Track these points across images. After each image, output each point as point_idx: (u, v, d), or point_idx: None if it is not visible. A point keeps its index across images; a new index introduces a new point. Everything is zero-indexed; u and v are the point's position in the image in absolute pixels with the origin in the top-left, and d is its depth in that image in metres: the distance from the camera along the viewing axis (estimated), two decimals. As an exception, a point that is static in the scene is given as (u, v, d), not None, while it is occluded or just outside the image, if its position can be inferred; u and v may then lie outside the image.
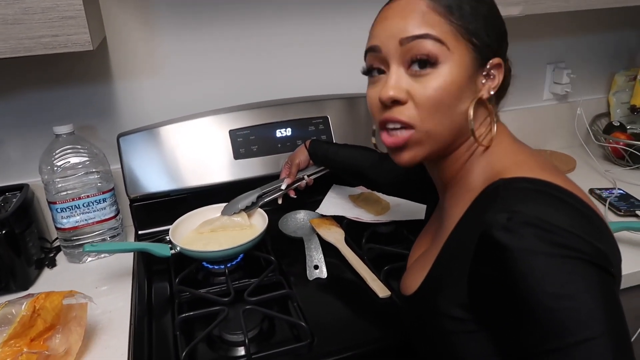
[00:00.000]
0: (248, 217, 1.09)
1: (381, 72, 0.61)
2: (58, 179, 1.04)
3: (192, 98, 1.24)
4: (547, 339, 0.46)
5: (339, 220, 1.15)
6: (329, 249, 1.06)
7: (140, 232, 1.19)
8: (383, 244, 1.05)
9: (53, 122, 1.08)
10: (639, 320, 0.95)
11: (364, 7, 1.27)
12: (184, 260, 1.02)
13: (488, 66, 0.59)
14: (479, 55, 0.58)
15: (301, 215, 1.22)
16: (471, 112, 0.59)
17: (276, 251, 1.07)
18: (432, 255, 0.64)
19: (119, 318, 0.91)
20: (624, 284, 0.62)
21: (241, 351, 0.81)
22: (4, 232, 0.96)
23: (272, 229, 1.10)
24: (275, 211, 1.15)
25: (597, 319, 0.46)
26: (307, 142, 1.13)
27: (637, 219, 1.14)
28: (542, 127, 1.56)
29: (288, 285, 0.95)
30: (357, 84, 1.34)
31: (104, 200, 1.09)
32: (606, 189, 1.27)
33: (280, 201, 1.12)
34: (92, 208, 1.08)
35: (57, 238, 1.13)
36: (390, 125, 0.60)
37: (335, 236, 1.08)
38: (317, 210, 1.18)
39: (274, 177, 1.15)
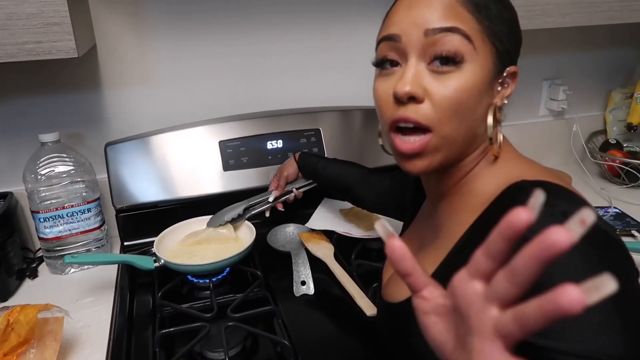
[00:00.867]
0: (234, 230, 1.07)
1: (394, 64, 0.57)
2: (42, 188, 1.02)
3: (182, 108, 1.23)
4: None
5: (329, 235, 1.13)
6: (317, 264, 1.04)
7: (126, 243, 1.17)
8: (373, 260, 1.03)
9: (39, 129, 1.06)
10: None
11: (359, 17, 1.26)
12: (169, 273, 0.99)
13: (505, 74, 0.57)
14: (499, 60, 0.56)
15: (291, 229, 1.20)
16: (490, 118, 0.56)
17: (263, 265, 1.05)
18: (431, 262, 0.61)
19: (99, 332, 0.88)
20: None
21: (222, 369, 0.78)
22: (-17, 241, 0.94)
23: (260, 243, 1.08)
24: (264, 224, 1.13)
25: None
26: (297, 155, 1.11)
27: (633, 239, 1.12)
28: (538, 143, 1.54)
29: (274, 301, 0.93)
30: (351, 96, 1.34)
31: (89, 210, 1.06)
32: (602, 208, 1.25)
33: (267, 214, 1.10)
34: (76, 218, 1.05)
35: (40, 248, 1.11)
36: (403, 125, 0.55)
37: (324, 251, 1.06)
38: (307, 224, 1.15)
39: (264, 190, 1.13)
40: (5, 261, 0.99)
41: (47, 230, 1.04)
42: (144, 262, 0.97)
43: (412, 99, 0.54)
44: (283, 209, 1.11)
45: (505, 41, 0.56)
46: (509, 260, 0.30)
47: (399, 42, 0.55)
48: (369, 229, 1.12)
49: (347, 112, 1.28)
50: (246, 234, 1.07)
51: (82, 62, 1.13)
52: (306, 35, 1.26)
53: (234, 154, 1.18)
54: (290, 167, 1.11)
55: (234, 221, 1.07)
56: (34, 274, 1.06)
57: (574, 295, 0.25)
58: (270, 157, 1.20)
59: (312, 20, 1.25)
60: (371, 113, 1.25)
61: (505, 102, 0.58)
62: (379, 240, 1.09)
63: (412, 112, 0.54)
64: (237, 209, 1.07)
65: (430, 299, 0.38)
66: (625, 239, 1.11)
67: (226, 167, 1.17)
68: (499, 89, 0.57)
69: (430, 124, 0.54)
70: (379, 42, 0.58)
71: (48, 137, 1.02)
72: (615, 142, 1.46)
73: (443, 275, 0.57)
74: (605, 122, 1.56)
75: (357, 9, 1.26)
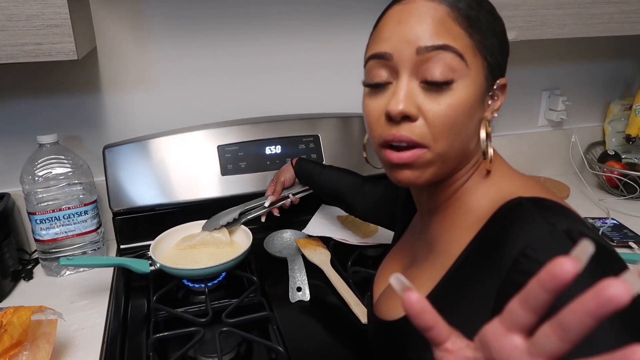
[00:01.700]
0: (230, 234, 1.06)
1: (386, 84, 0.55)
2: (39, 189, 1.02)
3: (181, 111, 1.23)
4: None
5: (326, 242, 1.12)
6: (314, 270, 1.03)
7: (122, 246, 1.17)
8: (369, 268, 1.03)
9: (38, 131, 1.06)
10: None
11: (360, 24, 1.26)
12: (165, 277, 0.99)
13: (495, 86, 0.56)
14: (490, 74, 0.55)
15: (287, 235, 1.20)
16: (484, 133, 0.55)
17: (259, 271, 1.05)
18: (426, 280, 0.60)
19: (93, 335, 0.87)
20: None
21: (215, 375, 0.78)
22: (-21, 242, 0.94)
23: (257, 248, 1.08)
24: (261, 229, 1.13)
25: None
26: (294, 160, 1.11)
27: (630, 251, 1.12)
28: (536, 154, 1.54)
29: (269, 307, 0.93)
30: (350, 103, 1.34)
31: (86, 212, 1.06)
32: (599, 219, 1.25)
33: (263, 219, 1.10)
34: (73, 220, 1.05)
35: (35, 250, 1.10)
36: (396, 144, 0.54)
37: (321, 257, 1.06)
38: (304, 230, 1.15)
39: (262, 195, 1.12)
40: (1, 262, 0.98)
41: (44, 232, 1.03)
42: (139, 266, 0.97)
43: (406, 117, 0.53)
44: (279, 215, 1.10)
45: (496, 54, 0.55)
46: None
47: (390, 60, 0.54)
48: (365, 236, 1.12)
49: (347, 119, 1.28)
50: (243, 239, 1.07)
51: (82, 65, 1.13)
52: (306, 41, 1.26)
53: (232, 159, 1.18)
54: (287, 172, 1.10)
55: (229, 225, 1.07)
56: (29, 276, 1.06)
57: (619, 285, 0.24)
58: (268, 163, 1.20)
59: (313, 26, 1.25)
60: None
61: (495, 115, 0.57)
62: (375, 247, 1.09)
63: (406, 130, 0.53)
64: (233, 213, 1.07)
65: (455, 352, 0.34)
66: (622, 251, 1.12)
67: (224, 171, 1.17)
68: (490, 102, 0.57)
69: (425, 141, 0.53)
70: (368, 59, 0.57)
71: (46, 139, 1.02)
72: (613, 153, 1.47)
73: (441, 296, 0.57)
74: (604, 133, 1.57)
75: (358, 16, 1.26)
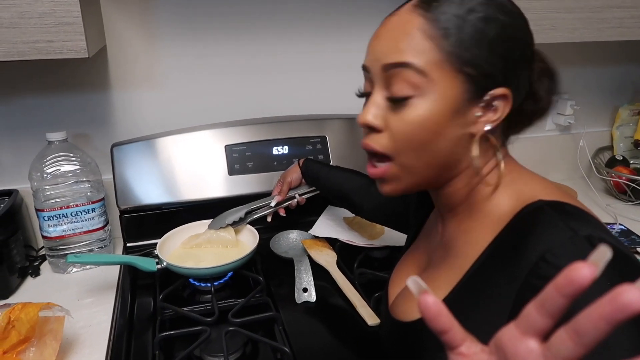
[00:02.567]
0: (236, 234, 1.07)
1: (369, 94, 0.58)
2: (47, 186, 1.02)
3: (189, 111, 1.23)
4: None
5: (332, 243, 1.12)
6: (320, 271, 1.03)
7: (128, 244, 1.17)
8: (376, 269, 1.03)
9: (47, 128, 1.06)
10: None
11: (367, 25, 1.25)
12: (171, 275, 0.99)
13: (487, 97, 0.53)
14: (474, 86, 0.52)
15: (294, 235, 1.19)
16: (475, 150, 0.54)
17: (265, 271, 1.05)
18: (443, 283, 0.60)
19: (99, 333, 0.87)
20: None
21: (221, 375, 0.78)
22: (-13, 238, 0.94)
23: (263, 248, 1.08)
24: (267, 230, 1.13)
25: None
26: (301, 161, 1.11)
27: (638, 257, 1.11)
28: (544, 158, 1.54)
29: (275, 307, 0.93)
30: (358, 104, 1.33)
31: (93, 210, 1.07)
32: (607, 224, 1.24)
33: (269, 219, 1.10)
34: (80, 217, 1.05)
35: (43, 247, 1.11)
36: (371, 153, 0.58)
37: (327, 259, 1.06)
38: (311, 231, 1.15)
39: (268, 195, 1.12)
40: (8, 259, 0.99)
41: (51, 228, 1.04)
42: (146, 264, 0.97)
43: (372, 129, 0.56)
44: (285, 215, 1.10)
45: (484, 64, 0.52)
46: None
47: (369, 73, 0.57)
48: (372, 238, 1.12)
49: (354, 121, 1.27)
50: (249, 239, 1.07)
51: (92, 63, 1.14)
52: (315, 42, 1.26)
53: (240, 159, 1.18)
54: (294, 173, 1.10)
55: (235, 224, 1.07)
56: (36, 272, 1.06)
57: (635, 291, 0.24)
58: (275, 163, 1.20)
59: (322, 27, 1.25)
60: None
61: (489, 127, 0.54)
62: (382, 249, 1.08)
63: (372, 140, 0.57)
64: (239, 212, 1.07)
65: (470, 355, 0.35)
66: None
67: (231, 171, 1.17)
68: (479, 114, 0.53)
69: (388, 152, 0.56)
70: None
71: (55, 136, 1.02)
72: (621, 158, 1.46)
73: (458, 299, 0.56)
74: (612, 138, 1.56)
75: (367, 17, 1.26)
